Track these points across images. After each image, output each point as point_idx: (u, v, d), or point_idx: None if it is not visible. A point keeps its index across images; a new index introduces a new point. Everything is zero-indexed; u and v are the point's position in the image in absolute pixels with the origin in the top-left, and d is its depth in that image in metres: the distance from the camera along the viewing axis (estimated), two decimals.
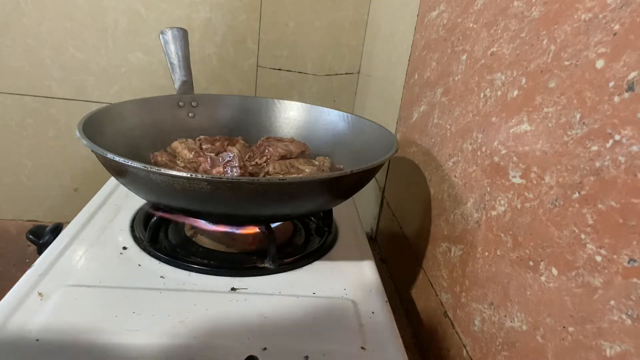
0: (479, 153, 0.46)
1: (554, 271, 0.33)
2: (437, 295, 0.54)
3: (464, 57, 0.50)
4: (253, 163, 0.59)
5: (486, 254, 0.43)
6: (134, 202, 0.59)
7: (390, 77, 0.78)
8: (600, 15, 0.30)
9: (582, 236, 0.30)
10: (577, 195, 0.31)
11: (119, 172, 0.44)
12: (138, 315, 0.40)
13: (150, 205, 0.52)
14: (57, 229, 0.55)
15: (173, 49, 0.64)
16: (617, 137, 0.28)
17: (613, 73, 0.29)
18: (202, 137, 0.63)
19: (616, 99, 0.28)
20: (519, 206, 0.38)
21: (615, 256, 0.28)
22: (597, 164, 0.30)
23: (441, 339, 0.52)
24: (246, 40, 0.91)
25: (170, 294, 0.43)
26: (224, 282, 0.46)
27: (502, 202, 0.41)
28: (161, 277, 0.46)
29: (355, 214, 0.64)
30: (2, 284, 0.45)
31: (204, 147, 0.60)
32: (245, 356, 0.36)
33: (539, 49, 0.37)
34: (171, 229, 0.55)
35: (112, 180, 0.64)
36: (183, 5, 0.87)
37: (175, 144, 0.60)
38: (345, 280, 0.48)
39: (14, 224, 0.97)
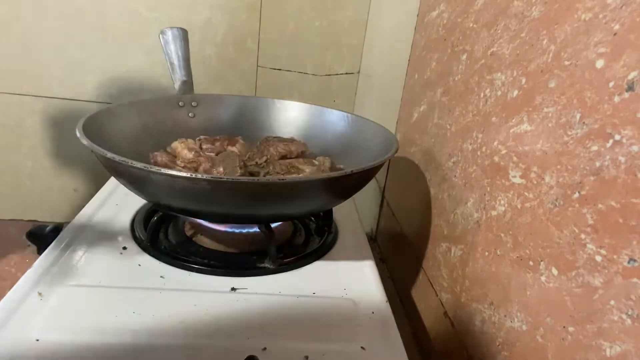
0: (479, 153, 0.46)
1: (554, 271, 0.33)
2: (437, 295, 0.54)
3: (464, 57, 0.50)
4: (253, 163, 0.59)
5: (486, 254, 0.43)
6: (134, 202, 0.59)
7: (390, 77, 0.78)
8: (600, 15, 0.30)
9: (582, 236, 0.30)
10: (577, 195, 0.31)
11: (119, 172, 0.44)
12: (138, 315, 0.40)
13: (151, 204, 0.52)
14: (57, 229, 0.55)
15: (173, 49, 0.64)
16: (617, 137, 0.28)
17: (613, 73, 0.29)
18: (202, 137, 0.62)
19: (616, 98, 0.28)
20: (519, 206, 0.38)
21: (615, 256, 0.28)
22: (597, 164, 0.30)
23: (441, 339, 0.52)
24: (246, 40, 0.91)
25: (170, 294, 0.43)
26: (224, 282, 0.46)
27: (502, 202, 0.41)
28: (161, 277, 0.46)
29: (355, 214, 0.64)
30: (2, 284, 0.45)
31: (204, 147, 0.60)
32: (245, 356, 0.36)
33: (539, 49, 0.37)
34: (171, 229, 0.55)
35: (112, 180, 0.64)
36: (183, 5, 0.87)
37: (175, 144, 0.60)
38: (345, 280, 0.48)
39: (14, 224, 0.97)
